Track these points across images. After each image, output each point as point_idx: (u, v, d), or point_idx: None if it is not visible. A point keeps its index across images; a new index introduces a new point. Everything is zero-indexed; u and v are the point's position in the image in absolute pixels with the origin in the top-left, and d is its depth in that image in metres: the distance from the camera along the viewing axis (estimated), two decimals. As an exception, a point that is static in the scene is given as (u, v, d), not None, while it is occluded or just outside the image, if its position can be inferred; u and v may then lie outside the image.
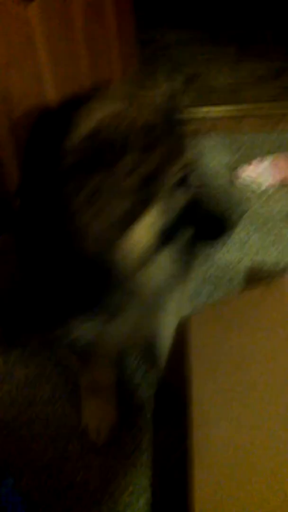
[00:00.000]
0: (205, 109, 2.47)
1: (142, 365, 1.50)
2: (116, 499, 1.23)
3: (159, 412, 1.39)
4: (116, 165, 0.80)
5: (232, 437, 0.95)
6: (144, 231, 0.84)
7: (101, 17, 1.90)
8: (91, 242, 0.84)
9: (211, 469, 0.94)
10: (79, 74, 1.78)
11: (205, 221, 0.88)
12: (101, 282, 0.92)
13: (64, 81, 1.53)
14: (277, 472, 0.85)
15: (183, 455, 1.26)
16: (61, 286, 0.97)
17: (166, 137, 0.84)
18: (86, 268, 0.88)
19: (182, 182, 0.86)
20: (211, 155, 2.21)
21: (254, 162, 2.09)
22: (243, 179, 2.05)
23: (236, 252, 1.79)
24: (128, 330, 1.08)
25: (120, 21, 2.07)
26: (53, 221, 0.88)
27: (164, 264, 0.90)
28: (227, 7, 3.81)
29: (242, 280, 1.67)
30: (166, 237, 0.85)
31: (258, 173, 2.04)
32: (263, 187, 2.03)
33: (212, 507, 0.87)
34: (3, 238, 1.45)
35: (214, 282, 1.70)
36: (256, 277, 1.69)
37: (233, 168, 2.12)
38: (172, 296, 1.09)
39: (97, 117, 0.84)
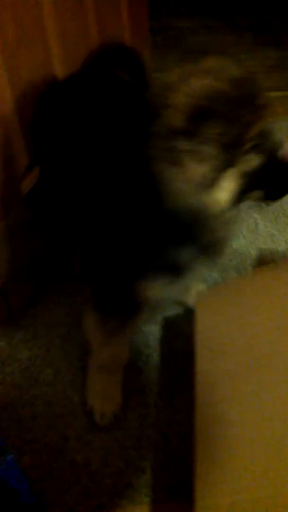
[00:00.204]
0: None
1: (144, 349, 1.49)
2: (116, 480, 1.22)
3: (162, 394, 1.38)
4: (200, 132, 0.86)
5: (234, 418, 0.94)
6: (222, 193, 0.91)
7: (113, 5, 1.88)
8: (174, 199, 0.90)
9: (213, 449, 0.93)
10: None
11: (272, 183, 0.97)
12: (179, 240, 0.99)
13: (73, 62, 1.51)
14: (277, 451, 0.84)
15: (185, 437, 1.26)
16: (136, 244, 1.03)
17: (246, 108, 0.90)
18: (167, 225, 0.96)
19: (256, 147, 0.92)
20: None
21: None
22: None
23: (243, 239, 1.78)
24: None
25: (132, 5, 2.05)
26: (130, 181, 0.96)
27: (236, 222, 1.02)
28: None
29: (250, 266, 1.66)
30: (238, 198, 0.94)
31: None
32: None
33: (212, 484, 0.86)
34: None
35: (220, 269, 1.68)
36: (264, 264, 1.68)
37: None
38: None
39: (186, 88, 0.89)
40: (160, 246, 1.02)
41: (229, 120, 0.88)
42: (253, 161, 0.93)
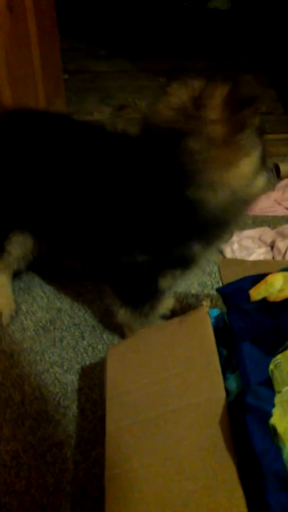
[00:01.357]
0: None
1: (62, 401, 1.48)
2: None
3: (80, 447, 1.36)
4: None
5: (141, 476, 0.94)
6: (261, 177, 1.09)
7: (24, 48, 1.90)
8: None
9: (122, 510, 0.92)
10: (0, 106, 1.77)
11: None
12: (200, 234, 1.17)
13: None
14: (186, 507, 0.85)
15: (104, 491, 1.25)
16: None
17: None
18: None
19: None
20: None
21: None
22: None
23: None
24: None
25: (45, 52, 2.08)
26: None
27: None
28: (155, 39, 3.94)
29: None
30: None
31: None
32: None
33: None
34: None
35: (216, 276, 1.82)
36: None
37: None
38: None
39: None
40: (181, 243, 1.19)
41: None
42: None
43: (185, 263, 1.26)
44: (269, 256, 2.01)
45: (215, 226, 1.15)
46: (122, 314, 1.47)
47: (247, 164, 1.04)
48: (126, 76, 3.31)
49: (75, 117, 2.28)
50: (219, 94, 1.01)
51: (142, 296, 1.40)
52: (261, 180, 1.10)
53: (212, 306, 1.26)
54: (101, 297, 1.80)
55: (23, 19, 1.80)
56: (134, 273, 1.30)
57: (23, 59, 1.89)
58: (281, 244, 2.01)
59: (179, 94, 1.06)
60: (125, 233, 1.23)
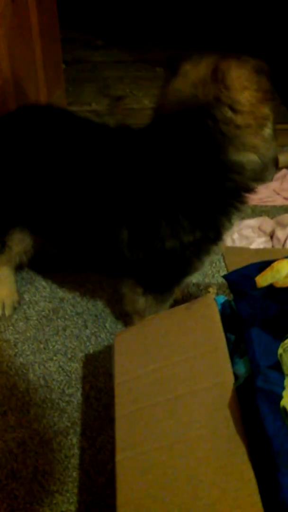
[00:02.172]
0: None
1: (67, 389, 1.49)
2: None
3: (86, 434, 1.38)
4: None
5: (153, 460, 0.96)
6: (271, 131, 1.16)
7: (26, 38, 1.89)
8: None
9: (134, 491, 0.94)
10: (3, 95, 1.76)
11: None
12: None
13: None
14: (197, 488, 0.87)
15: (110, 477, 1.26)
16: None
17: None
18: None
19: None
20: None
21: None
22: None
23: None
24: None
25: (45, 43, 2.08)
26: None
27: None
28: (153, 29, 3.92)
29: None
30: None
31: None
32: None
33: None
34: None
35: (217, 265, 1.90)
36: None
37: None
38: None
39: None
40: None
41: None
42: None
43: (221, 235, 1.31)
44: (268, 245, 2.03)
45: (247, 191, 1.23)
46: (142, 302, 1.47)
47: (269, 129, 1.14)
48: (123, 66, 3.30)
49: (74, 107, 2.28)
50: (241, 68, 1.11)
51: (171, 282, 1.42)
52: (274, 146, 1.20)
53: (218, 293, 1.28)
54: (103, 286, 1.81)
55: (25, 9, 1.79)
56: (176, 258, 1.30)
57: (25, 49, 1.88)
58: (280, 234, 2.03)
59: (198, 70, 1.12)
60: (172, 215, 1.25)
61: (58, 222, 1.45)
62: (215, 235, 1.29)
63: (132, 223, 1.28)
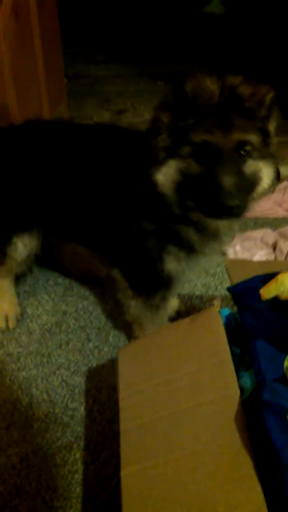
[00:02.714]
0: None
1: (70, 403, 1.48)
2: None
3: (90, 449, 1.36)
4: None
5: (159, 472, 0.95)
6: None
7: (28, 53, 1.91)
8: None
9: (139, 506, 0.93)
10: (6, 109, 1.78)
11: None
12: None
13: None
14: (203, 503, 0.86)
15: (114, 492, 1.25)
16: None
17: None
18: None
19: None
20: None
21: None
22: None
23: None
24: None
25: (48, 56, 2.10)
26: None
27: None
28: (153, 43, 3.97)
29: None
30: None
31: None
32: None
33: None
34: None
35: (220, 277, 1.90)
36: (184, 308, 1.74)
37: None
38: None
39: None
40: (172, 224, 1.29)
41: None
42: None
43: (182, 242, 1.34)
44: (271, 257, 2.03)
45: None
46: (134, 306, 1.51)
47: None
48: (124, 80, 3.33)
49: (76, 122, 2.29)
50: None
51: (152, 279, 1.43)
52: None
53: (222, 305, 1.27)
54: (105, 299, 1.81)
55: (28, 25, 1.81)
56: (143, 242, 1.36)
57: (27, 64, 1.90)
58: (283, 245, 2.03)
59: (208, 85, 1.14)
60: (134, 205, 1.34)
61: (72, 213, 1.52)
62: (172, 236, 1.33)
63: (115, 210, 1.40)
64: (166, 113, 1.17)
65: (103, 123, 1.54)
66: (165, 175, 1.18)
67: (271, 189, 1.31)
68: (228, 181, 1.10)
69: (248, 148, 1.16)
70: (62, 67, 2.32)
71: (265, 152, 1.20)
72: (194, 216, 1.24)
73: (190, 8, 5.01)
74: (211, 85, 1.13)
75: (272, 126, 1.22)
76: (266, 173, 1.22)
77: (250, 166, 1.18)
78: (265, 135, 1.20)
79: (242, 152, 1.16)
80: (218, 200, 1.10)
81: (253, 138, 1.16)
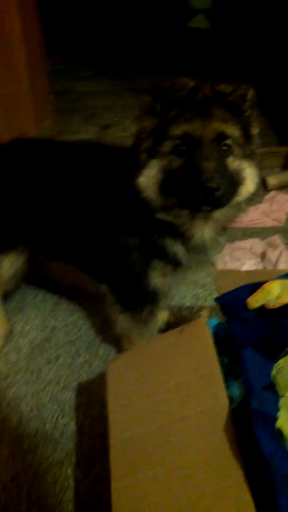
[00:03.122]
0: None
1: (61, 418, 1.46)
2: None
3: (81, 465, 1.35)
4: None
5: (150, 486, 0.93)
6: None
7: (13, 71, 1.92)
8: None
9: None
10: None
11: None
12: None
13: None
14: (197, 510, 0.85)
15: (106, 508, 1.23)
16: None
17: None
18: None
19: None
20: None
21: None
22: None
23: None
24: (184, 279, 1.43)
25: (32, 73, 2.11)
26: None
27: None
28: (137, 59, 4.00)
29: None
30: None
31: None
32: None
33: None
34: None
35: (209, 288, 1.90)
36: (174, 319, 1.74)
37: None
38: None
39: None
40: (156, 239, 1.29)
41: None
42: None
43: (168, 257, 1.32)
44: (260, 267, 2.03)
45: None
46: (122, 321, 1.50)
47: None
48: (110, 95, 3.35)
49: (62, 137, 2.31)
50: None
51: (138, 294, 1.42)
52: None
53: (210, 316, 1.27)
54: (95, 313, 1.80)
55: (13, 44, 1.83)
56: (127, 257, 1.35)
57: (12, 81, 1.91)
58: (271, 255, 2.03)
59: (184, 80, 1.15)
60: (119, 220, 1.35)
61: (57, 230, 1.52)
62: (157, 251, 1.33)
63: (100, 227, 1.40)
64: (148, 117, 1.18)
65: (88, 141, 1.53)
66: (147, 177, 1.17)
67: (257, 192, 1.29)
68: (207, 164, 1.09)
69: (229, 142, 1.15)
70: (47, 84, 2.33)
71: (248, 152, 1.20)
72: (179, 220, 1.22)
73: (175, 23, 5.08)
74: (187, 80, 1.15)
75: (254, 130, 1.22)
76: (249, 173, 1.20)
77: (233, 162, 1.17)
78: (247, 135, 1.20)
79: (224, 148, 1.15)
80: (199, 183, 1.08)
81: (234, 131, 1.16)
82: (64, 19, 4.84)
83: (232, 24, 4.88)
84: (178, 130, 1.13)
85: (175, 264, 1.34)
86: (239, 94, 1.16)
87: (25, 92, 2.04)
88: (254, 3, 4.45)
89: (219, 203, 1.13)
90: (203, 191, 1.08)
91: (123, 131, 2.89)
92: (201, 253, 1.34)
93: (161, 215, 1.22)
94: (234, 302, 1.16)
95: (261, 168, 1.26)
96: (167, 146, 1.15)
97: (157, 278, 1.37)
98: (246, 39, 4.39)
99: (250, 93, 1.18)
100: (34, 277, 1.82)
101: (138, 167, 1.18)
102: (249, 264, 2.02)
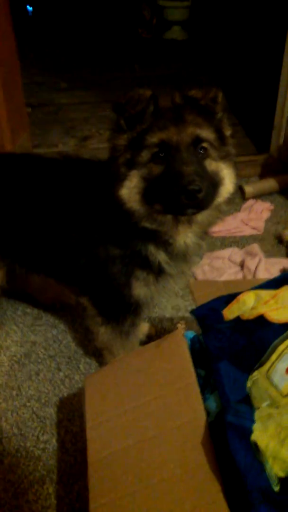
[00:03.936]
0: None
1: (41, 435, 1.45)
2: None
3: (63, 482, 1.33)
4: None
5: (128, 502, 0.93)
6: None
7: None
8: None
9: None
10: None
11: None
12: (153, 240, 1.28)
13: None
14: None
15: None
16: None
17: None
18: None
19: None
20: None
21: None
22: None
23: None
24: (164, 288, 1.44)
25: (7, 87, 2.10)
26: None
27: None
28: (114, 70, 4.02)
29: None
30: None
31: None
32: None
33: None
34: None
35: (189, 299, 1.88)
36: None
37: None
38: None
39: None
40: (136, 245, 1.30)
41: None
42: None
43: (150, 265, 1.33)
44: (239, 276, 2.04)
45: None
46: (103, 333, 1.50)
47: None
48: (88, 107, 3.36)
49: (41, 150, 2.31)
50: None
51: (121, 305, 1.42)
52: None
53: (187, 328, 1.27)
54: (75, 327, 1.79)
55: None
56: (110, 268, 1.35)
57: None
58: (250, 263, 2.04)
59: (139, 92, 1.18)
60: (100, 231, 1.35)
61: (37, 244, 1.51)
62: (139, 260, 1.33)
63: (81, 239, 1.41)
64: (118, 135, 1.20)
65: (65, 154, 1.53)
66: (129, 188, 1.18)
67: (235, 191, 1.31)
68: (187, 168, 1.12)
69: (205, 145, 1.18)
70: (22, 98, 2.33)
71: (224, 153, 1.23)
72: (163, 227, 1.23)
73: (151, 35, 5.12)
74: (143, 91, 1.17)
75: (228, 132, 1.26)
76: (227, 173, 1.23)
77: (210, 164, 1.20)
78: (221, 137, 1.23)
79: (201, 151, 1.18)
80: (181, 187, 1.09)
81: (209, 134, 1.19)
82: (41, 33, 4.86)
83: (208, 35, 4.94)
84: (154, 138, 1.16)
85: (158, 272, 1.35)
86: (210, 97, 1.20)
87: (0, 107, 2.04)
88: (230, 15, 4.51)
89: (202, 205, 1.16)
90: (186, 194, 1.10)
91: (102, 143, 2.90)
92: (183, 260, 1.36)
93: (145, 224, 1.23)
94: (209, 313, 1.17)
95: (238, 171, 1.29)
96: (145, 155, 1.17)
97: (140, 289, 1.37)
98: (222, 50, 4.45)
99: (220, 95, 1.21)
100: (13, 291, 1.81)
101: (119, 180, 1.19)
102: (228, 273, 2.03)
